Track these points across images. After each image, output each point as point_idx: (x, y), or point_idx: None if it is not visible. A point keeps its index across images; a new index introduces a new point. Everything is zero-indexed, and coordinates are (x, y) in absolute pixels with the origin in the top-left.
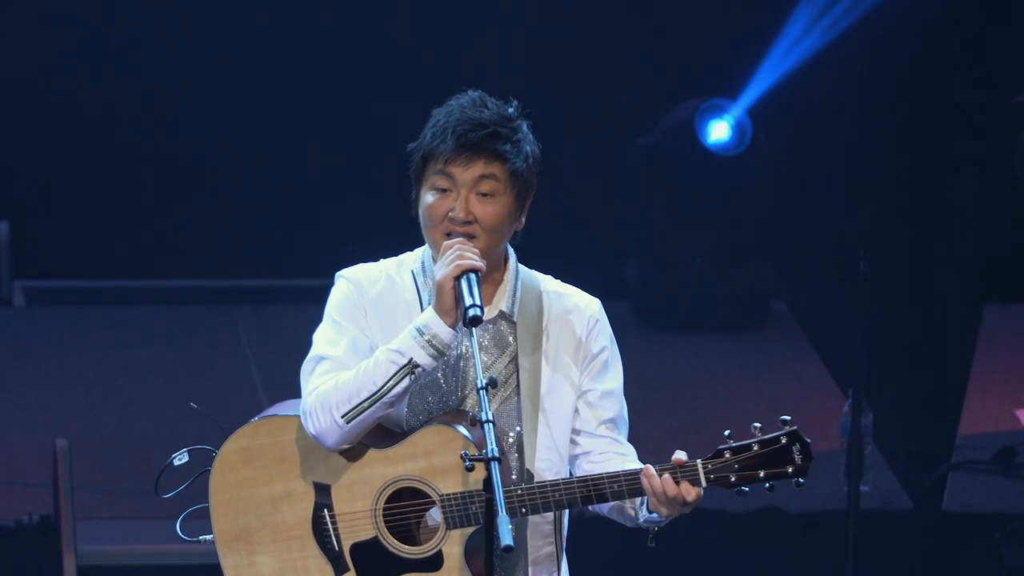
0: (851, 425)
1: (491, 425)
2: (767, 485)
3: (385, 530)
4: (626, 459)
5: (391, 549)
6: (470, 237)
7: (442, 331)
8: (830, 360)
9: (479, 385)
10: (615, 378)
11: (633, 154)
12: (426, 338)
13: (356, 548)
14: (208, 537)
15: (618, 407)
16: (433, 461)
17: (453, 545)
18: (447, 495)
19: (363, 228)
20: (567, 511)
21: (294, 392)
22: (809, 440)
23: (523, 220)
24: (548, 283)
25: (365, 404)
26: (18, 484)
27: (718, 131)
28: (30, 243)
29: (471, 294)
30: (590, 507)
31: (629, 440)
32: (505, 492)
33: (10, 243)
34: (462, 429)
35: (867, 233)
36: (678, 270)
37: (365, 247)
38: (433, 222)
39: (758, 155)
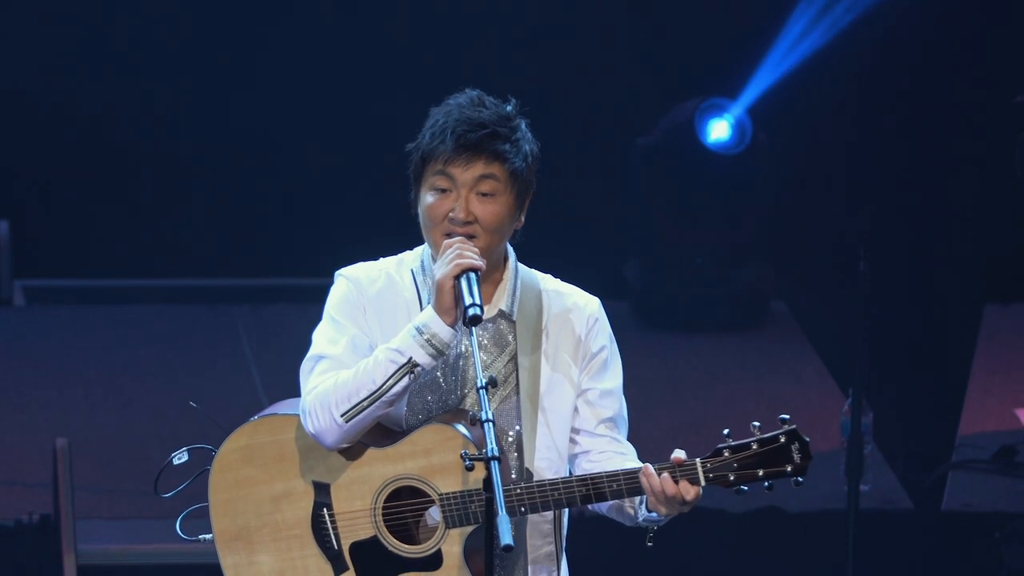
0: (851, 425)
1: (491, 424)
2: (766, 484)
3: (384, 529)
4: (625, 458)
5: (390, 548)
6: (470, 237)
7: (441, 330)
8: (830, 360)
9: (479, 384)
10: (615, 377)
11: (633, 154)
12: (425, 337)
13: (355, 547)
14: (208, 536)
15: (617, 406)
16: (432, 460)
17: (452, 544)
18: (446, 494)
19: (363, 227)
20: (566, 510)
21: (294, 391)
22: (808, 439)
23: (522, 219)
24: (548, 282)
25: (364, 403)
26: (18, 484)
27: (718, 131)
28: (30, 243)
29: (471, 293)
30: (589, 506)
31: (629, 439)
32: (504, 491)
33: (10, 243)
34: (461, 428)
35: (867, 233)
36: (678, 270)
37: (365, 246)
38: (433, 222)
39: (758, 155)
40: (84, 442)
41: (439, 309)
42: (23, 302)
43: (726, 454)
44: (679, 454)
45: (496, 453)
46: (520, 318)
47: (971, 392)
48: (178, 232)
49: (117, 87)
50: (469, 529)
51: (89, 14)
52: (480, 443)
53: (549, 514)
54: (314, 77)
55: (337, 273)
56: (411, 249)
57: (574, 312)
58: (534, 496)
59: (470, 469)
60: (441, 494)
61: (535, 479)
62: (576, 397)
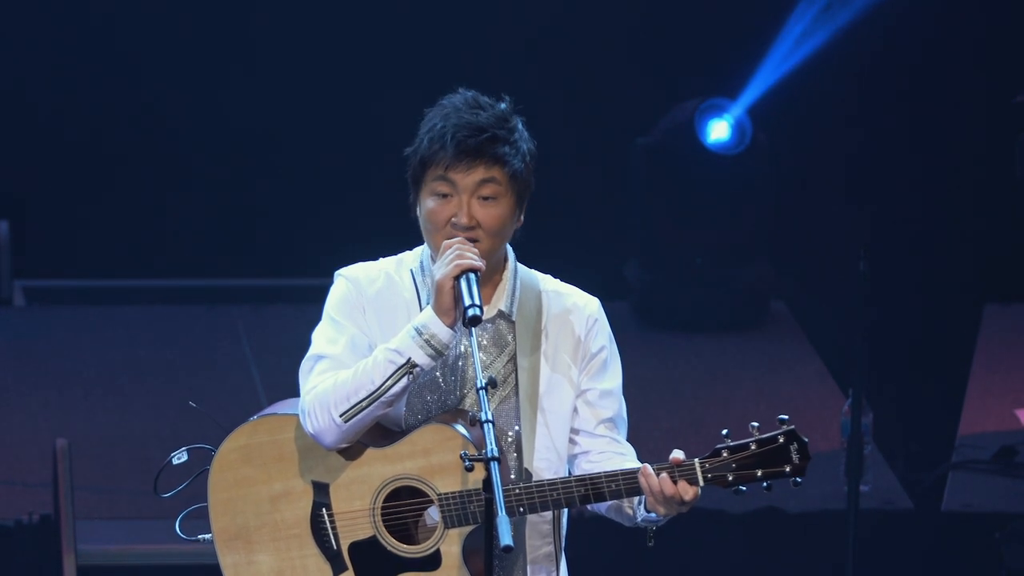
0: (851, 425)
1: (491, 425)
2: (764, 484)
3: (383, 529)
4: (625, 458)
5: (389, 548)
6: (474, 241)
7: (440, 331)
8: (830, 360)
9: (478, 385)
10: (614, 377)
11: (633, 154)
12: (424, 338)
13: (354, 547)
14: (207, 536)
15: (617, 406)
16: (431, 460)
17: (451, 544)
18: (445, 494)
19: (363, 227)
20: (566, 510)
21: (294, 391)
22: (807, 439)
23: (522, 218)
24: (547, 282)
25: (363, 403)
26: (18, 484)
27: (718, 131)
28: (30, 243)
29: (470, 294)
30: (588, 506)
31: (628, 440)
32: (503, 491)
33: (10, 243)
34: (460, 428)
35: (867, 233)
36: (678, 270)
37: (365, 246)
38: (435, 227)
39: (758, 155)
40: (84, 442)
41: (438, 310)
42: (23, 302)
43: (725, 454)
44: (677, 454)
45: (496, 454)
46: (519, 318)
47: (971, 392)
48: (178, 232)
49: (117, 87)
50: (468, 529)
51: (90, 14)
52: (479, 443)
53: (548, 514)
54: (314, 77)
55: (337, 273)
56: (411, 249)
57: (574, 312)
58: (533, 496)
59: (470, 470)
60: (440, 494)
61: (534, 479)
62: (575, 397)
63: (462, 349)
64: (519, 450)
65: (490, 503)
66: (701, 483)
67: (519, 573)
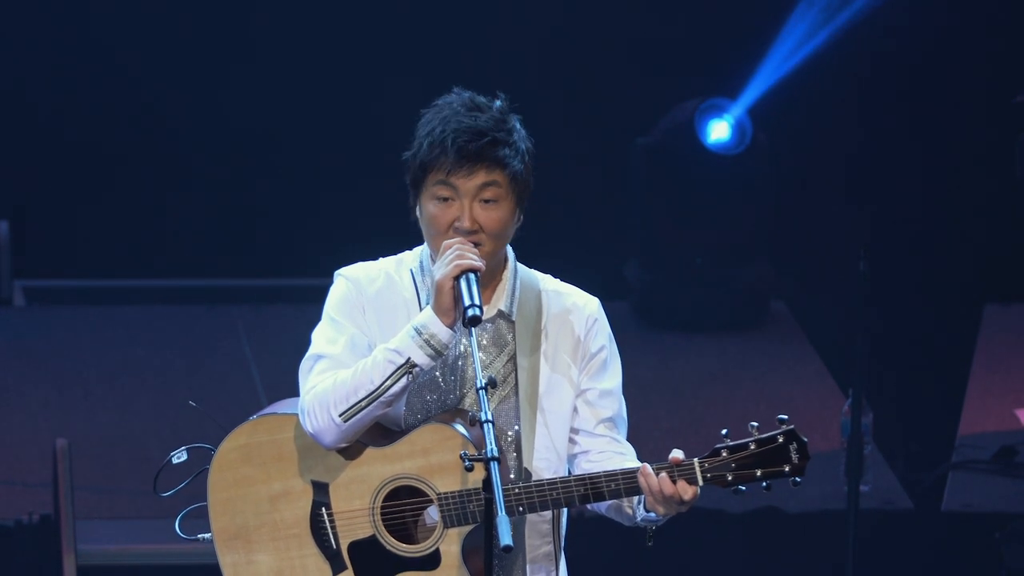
0: (851, 425)
1: (490, 425)
2: (764, 484)
3: (383, 528)
4: (625, 458)
5: (389, 547)
6: (477, 245)
7: (440, 331)
8: (830, 360)
9: (478, 385)
10: (614, 377)
11: (633, 154)
12: (424, 338)
13: (354, 546)
14: (207, 536)
15: (617, 406)
16: (431, 459)
17: (451, 544)
18: (445, 493)
19: (363, 227)
20: (565, 510)
21: (294, 391)
22: (806, 439)
23: (522, 218)
24: (547, 282)
25: (363, 403)
26: (18, 484)
27: (718, 131)
28: (30, 243)
29: (470, 294)
30: (588, 506)
31: (628, 439)
32: (503, 491)
33: (10, 243)
34: (460, 427)
35: (867, 233)
36: (678, 270)
37: (365, 246)
38: (438, 231)
39: (758, 155)
40: (84, 442)
41: (438, 310)
42: (23, 302)
43: (724, 454)
44: (677, 454)
45: (495, 454)
46: (519, 318)
47: (971, 392)
48: (178, 232)
49: (117, 87)
50: (467, 529)
51: (90, 14)
52: (479, 443)
53: (548, 514)
54: (314, 77)
55: (336, 273)
56: (411, 249)
57: (573, 312)
58: (532, 496)
59: (469, 470)
60: (440, 494)
61: (533, 479)
62: (575, 397)
63: (462, 349)
64: (519, 450)
65: (490, 503)
66: (700, 483)
67: (518, 572)
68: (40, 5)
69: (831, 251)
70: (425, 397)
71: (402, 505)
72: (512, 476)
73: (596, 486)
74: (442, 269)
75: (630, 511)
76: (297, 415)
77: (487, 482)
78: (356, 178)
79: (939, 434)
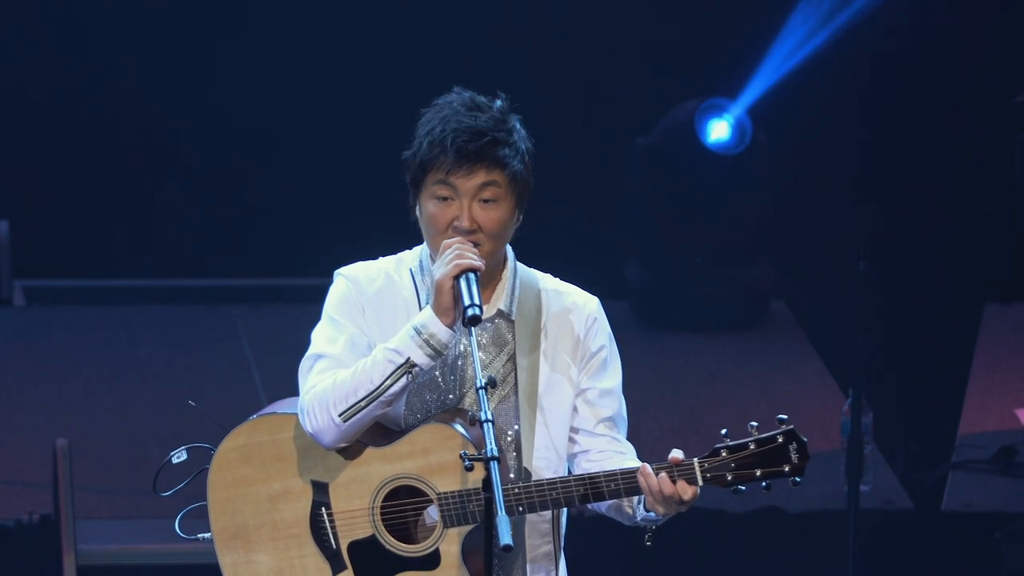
0: (851, 425)
1: (490, 424)
2: (764, 484)
3: (383, 528)
4: (625, 458)
5: (388, 547)
6: (476, 245)
7: (439, 331)
8: (830, 360)
9: (478, 384)
10: (614, 376)
11: (633, 154)
12: (423, 337)
13: (354, 546)
14: (206, 535)
15: (617, 405)
16: (431, 459)
17: (450, 543)
18: (445, 493)
19: (363, 227)
20: (565, 510)
21: (293, 391)
22: (806, 439)
23: (521, 218)
24: (547, 281)
25: (362, 403)
26: (18, 484)
27: (718, 131)
28: (30, 243)
29: (470, 293)
30: (588, 505)
31: (628, 439)
32: (503, 490)
33: (10, 243)
34: (459, 427)
35: (867, 233)
36: (678, 270)
37: (365, 246)
38: (437, 231)
39: (758, 155)
40: (84, 442)
41: (437, 309)
42: (23, 302)
43: (724, 454)
44: (677, 454)
45: (495, 453)
46: (519, 318)
47: (971, 392)
48: (178, 232)
49: (117, 87)
50: (467, 528)
51: (90, 14)
52: (479, 443)
53: (547, 513)
54: (314, 77)
55: (336, 272)
56: (410, 249)
57: (573, 311)
58: (532, 496)
59: (469, 469)
60: (439, 493)
61: (533, 479)
62: (575, 396)
63: (461, 348)
64: (518, 449)
65: (489, 502)
66: (700, 483)
67: (518, 572)
68: (40, 5)
69: (831, 251)
70: (425, 397)
71: (402, 505)
72: (512, 476)
73: (596, 486)
74: (442, 269)
75: (630, 511)
76: (297, 415)
77: (487, 481)
78: (356, 178)
79: (939, 434)
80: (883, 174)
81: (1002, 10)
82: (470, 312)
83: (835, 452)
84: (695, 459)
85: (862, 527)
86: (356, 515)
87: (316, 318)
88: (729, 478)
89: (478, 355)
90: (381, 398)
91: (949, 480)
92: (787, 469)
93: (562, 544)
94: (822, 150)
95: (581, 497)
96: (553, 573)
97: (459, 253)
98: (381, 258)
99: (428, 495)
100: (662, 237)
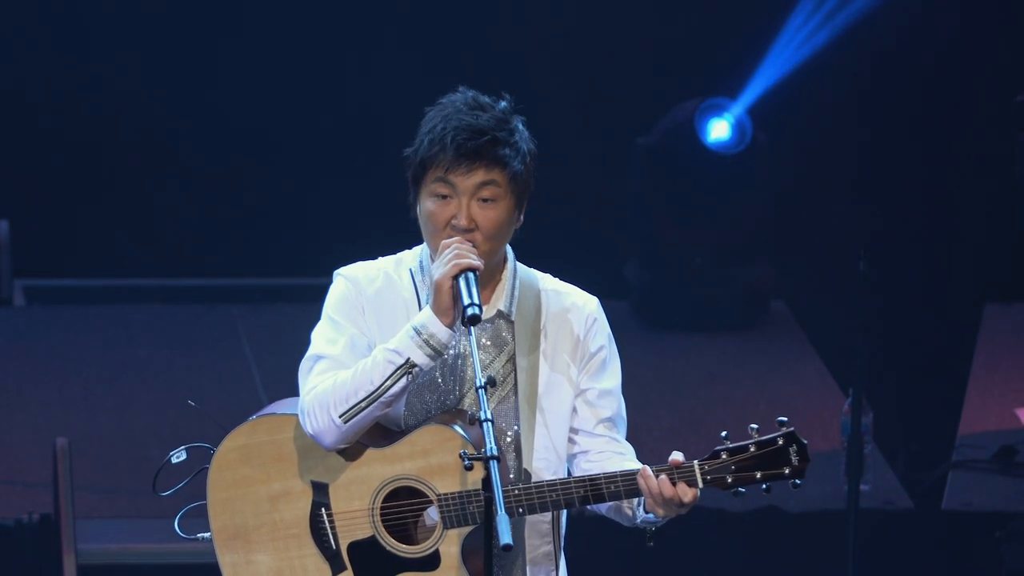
0: (851, 425)
1: (490, 424)
2: (764, 486)
3: (382, 529)
4: (624, 458)
5: (388, 548)
6: (473, 244)
7: (439, 331)
8: (830, 360)
9: (478, 384)
10: (613, 377)
11: (633, 154)
12: (423, 338)
13: (353, 547)
14: (206, 535)
15: (616, 406)
16: (431, 460)
17: (450, 544)
18: (445, 494)
19: (363, 227)
20: (565, 510)
21: (293, 391)
22: (806, 441)
23: (521, 219)
24: (546, 281)
25: (362, 404)
26: (18, 484)
27: (718, 131)
28: (30, 243)
29: (469, 293)
30: (588, 506)
31: (628, 440)
32: (503, 492)
33: (10, 243)
34: (459, 428)
35: (867, 233)
36: (678, 270)
37: (365, 246)
38: (435, 229)
39: (758, 155)
40: (84, 442)
41: (437, 309)
42: (23, 302)
43: (724, 456)
44: (677, 456)
45: (495, 452)
46: (519, 318)
47: (971, 392)
48: (178, 232)
49: (117, 87)
50: (467, 530)
51: (89, 14)
52: (478, 443)
53: (547, 514)
54: (314, 76)
55: (336, 273)
56: (410, 249)
57: (573, 312)
58: (532, 497)
59: (469, 469)
60: (439, 494)
61: (533, 480)
62: (575, 397)
63: (461, 349)
64: (518, 450)
65: (489, 502)
66: (700, 485)
67: (518, 572)
68: (40, 5)
69: (831, 251)
70: (425, 397)
71: (402, 506)
72: (512, 477)
73: (596, 488)
74: (441, 268)
75: (630, 512)
76: (297, 416)
77: (487, 481)
78: (356, 178)
79: (939, 434)
80: (883, 174)
81: (1002, 10)
82: (469, 312)
83: (835, 452)
84: (695, 461)
85: (862, 527)
86: (356, 516)
87: (316, 318)
88: (729, 480)
89: (478, 355)
90: (381, 399)
91: (949, 480)
92: (787, 471)
93: (562, 544)
94: (822, 150)
95: (581, 499)
96: (553, 573)
97: (458, 252)
98: (380, 258)
99: (428, 496)
100: (662, 237)
